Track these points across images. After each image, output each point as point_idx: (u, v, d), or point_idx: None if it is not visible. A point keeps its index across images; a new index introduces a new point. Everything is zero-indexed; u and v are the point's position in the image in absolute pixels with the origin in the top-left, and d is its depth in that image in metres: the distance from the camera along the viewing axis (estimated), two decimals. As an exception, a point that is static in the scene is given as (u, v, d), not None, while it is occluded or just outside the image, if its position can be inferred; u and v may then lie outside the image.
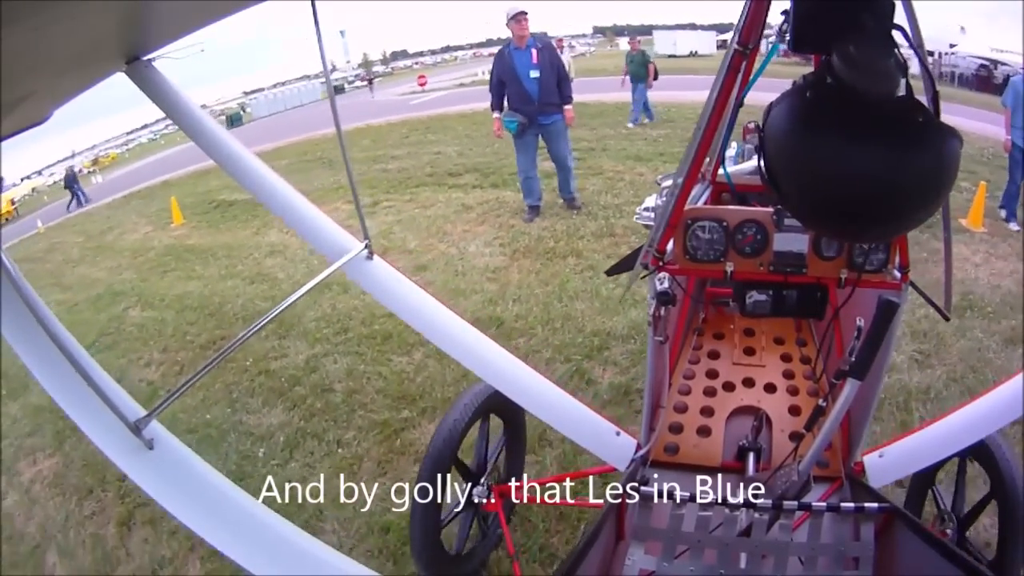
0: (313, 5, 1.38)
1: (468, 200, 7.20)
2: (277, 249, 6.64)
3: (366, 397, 3.43)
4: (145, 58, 1.36)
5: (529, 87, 5.64)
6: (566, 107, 5.90)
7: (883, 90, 0.88)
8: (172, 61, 1.42)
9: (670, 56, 32.83)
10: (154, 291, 6.56)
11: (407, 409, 3.23)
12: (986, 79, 19.85)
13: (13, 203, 28.85)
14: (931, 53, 21.70)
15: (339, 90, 43.37)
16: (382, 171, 9.83)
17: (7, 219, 26.33)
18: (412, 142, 12.48)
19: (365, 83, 41.67)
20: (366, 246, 1.76)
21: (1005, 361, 3.24)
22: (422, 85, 29.09)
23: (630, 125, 11.59)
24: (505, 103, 5.89)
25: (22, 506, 3.33)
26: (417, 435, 3.04)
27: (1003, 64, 19.30)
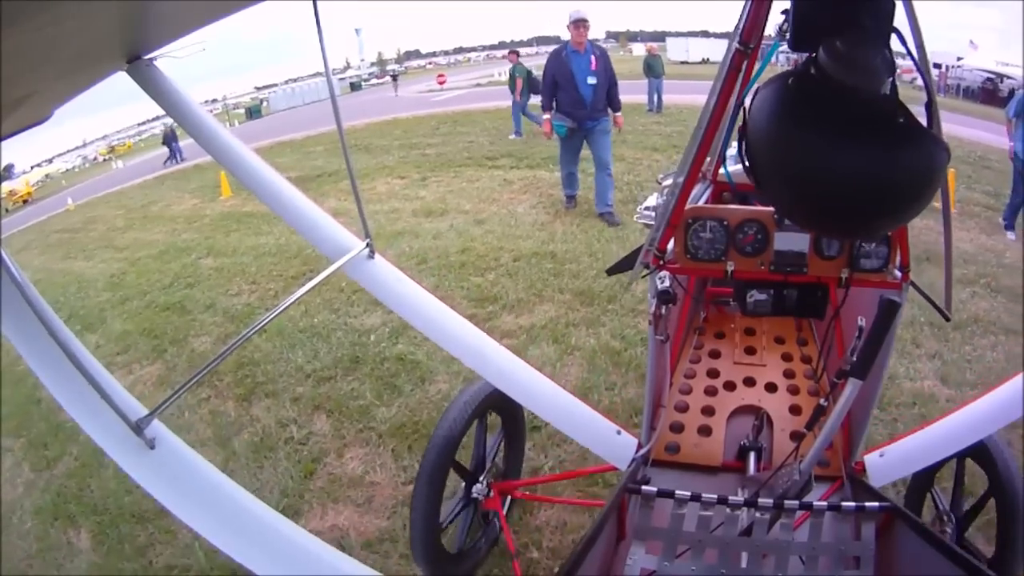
0: (314, 4, 1.42)
1: (508, 176, 8.21)
2: (340, 211, 7.61)
3: (454, 301, 4.33)
4: (146, 57, 1.39)
5: (585, 92, 5.68)
6: (616, 115, 6.13)
7: (865, 87, 0.90)
8: (182, 57, 1.44)
9: (682, 62, 33.96)
10: (222, 245, 7.31)
11: (491, 306, 4.19)
12: (991, 92, 20.88)
13: (31, 185, 30.24)
14: (938, 66, 22.64)
15: (356, 87, 44.75)
16: (422, 155, 10.87)
17: (24, 201, 27.54)
18: (444, 133, 13.49)
19: (381, 80, 42.94)
20: (367, 245, 1.77)
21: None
22: (441, 83, 30.12)
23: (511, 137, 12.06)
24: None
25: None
26: (500, 323, 3.99)
27: (1008, 77, 20.21)
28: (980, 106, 18.26)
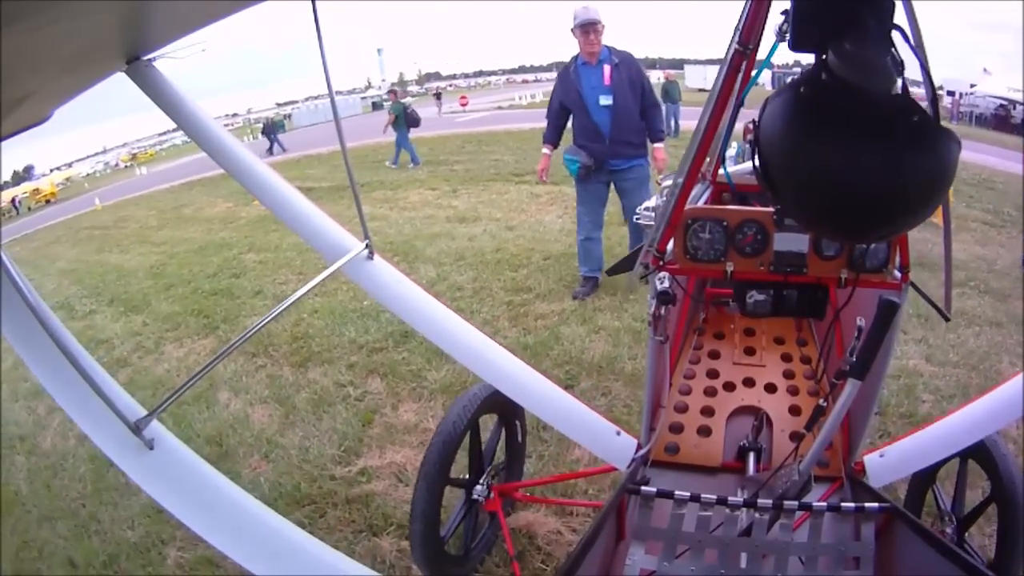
0: (313, 5, 1.43)
1: (535, 191, 8.88)
2: (376, 216, 8.33)
3: (491, 291, 4.98)
4: (145, 58, 1.42)
5: (598, 118, 4.30)
6: (656, 145, 4.54)
7: (878, 87, 0.92)
8: (182, 58, 1.47)
9: (700, 89, 34.90)
10: (264, 243, 7.88)
11: (525, 295, 4.80)
12: (1004, 119, 21.51)
13: (55, 185, 31.97)
14: (951, 93, 23.24)
15: (377, 106, 46.48)
16: (450, 170, 11.75)
17: (47, 201, 28.91)
18: (469, 151, 14.47)
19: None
20: (367, 246, 1.81)
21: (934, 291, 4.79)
22: (463, 105, 31.27)
23: (388, 164, 13.56)
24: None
25: (181, 370, 4.40)
26: (534, 308, 4.58)
27: (1020, 103, 20.76)
28: (992, 132, 19.02)
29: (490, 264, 5.73)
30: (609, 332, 4.07)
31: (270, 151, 21.80)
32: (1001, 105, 22.68)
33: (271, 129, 23.54)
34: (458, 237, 6.76)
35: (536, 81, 68.46)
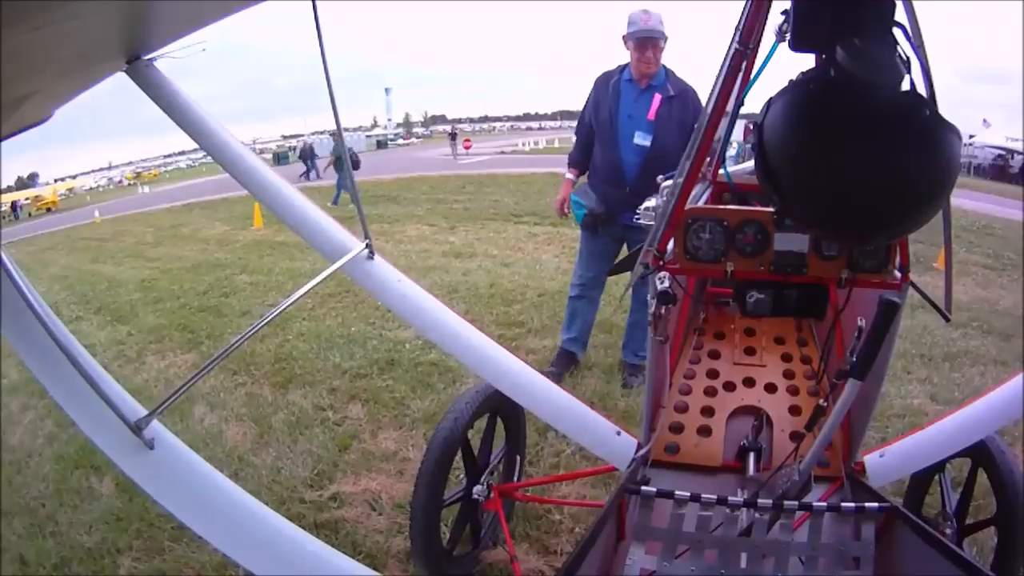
0: (314, 5, 1.44)
1: (533, 231, 8.97)
2: (378, 246, 8.33)
3: (483, 324, 4.84)
4: (146, 58, 1.43)
5: (625, 157, 3.37)
6: None
7: (888, 84, 0.91)
8: (182, 58, 1.49)
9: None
10: (257, 266, 7.90)
11: (517, 329, 4.75)
12: (1002, 168, 22.33)
13: (57, 195, 32.41)
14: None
15: (382, 144, 47.69)
16: (449, 208, 11.86)
17: (48, 209, 29.19)
18: (470, 191, 14.65)
19: (407, 141, 45.18)
20: (367, 246, 1.83)
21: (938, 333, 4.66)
22: (467, 148, 32.02)
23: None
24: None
25: (159, 383, 4.34)
26: (526, 342, 4.53)
27: (1018, 153, 21.57)
28: (989, 182, 19.63)
29: (483, 298, 5.70)
30: (603, 369, 4.00)
31: (306, 176, 21.89)
32: (999, 155, 23.59)
33: (309, 154, 23.55)
34: (452, 271, 6.75)
35: (540, 129, 70.44)
